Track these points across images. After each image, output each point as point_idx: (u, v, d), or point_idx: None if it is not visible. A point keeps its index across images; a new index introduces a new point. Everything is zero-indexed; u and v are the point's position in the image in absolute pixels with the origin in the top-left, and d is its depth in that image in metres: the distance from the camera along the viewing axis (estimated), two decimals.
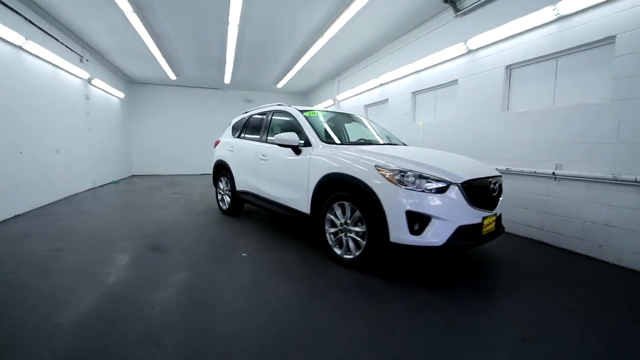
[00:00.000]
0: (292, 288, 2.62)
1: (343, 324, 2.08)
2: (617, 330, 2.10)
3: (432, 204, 2.59)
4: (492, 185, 2.93)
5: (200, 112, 12.32)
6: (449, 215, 2.60)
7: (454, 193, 2.63)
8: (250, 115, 5.00)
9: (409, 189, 2.60)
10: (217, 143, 5.66)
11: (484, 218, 2.79)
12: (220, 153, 5.33)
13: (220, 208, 5.40)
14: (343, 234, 3.06)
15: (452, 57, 5.27)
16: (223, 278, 2.79)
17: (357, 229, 2.91)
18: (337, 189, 3.13)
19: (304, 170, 3.46)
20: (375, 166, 2.78)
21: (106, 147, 8.96)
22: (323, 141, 3.50)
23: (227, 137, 5.37)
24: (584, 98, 3.53)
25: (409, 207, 2.58)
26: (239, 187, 4.79)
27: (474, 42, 4.77)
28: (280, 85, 11.22)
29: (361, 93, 8.42)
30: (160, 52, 7.47)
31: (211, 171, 5.72)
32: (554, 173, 3.74)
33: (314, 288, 2.63)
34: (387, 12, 5.55)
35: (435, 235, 2.58)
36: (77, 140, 7.05)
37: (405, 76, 6.53)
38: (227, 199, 5.17)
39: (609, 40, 3.25)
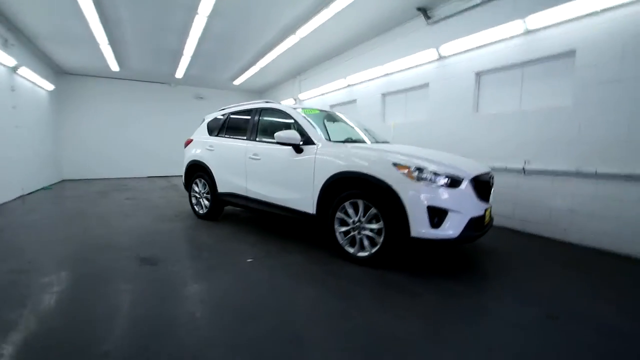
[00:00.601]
0: (318, 289, 2.54)
1: (399, 322, 2.09)
2: (615, 301, 2.45)
3: (449, 198, 2.73)
4: (490, 180, 3.20)
5: (146, 109, 11.21)
6: (463, 208, 2.77)
7: (465, 187, 2.82)
8: (230, 113, 4.71)
9: (428, 185, 2.71)
10: (188, 142, 5.21)
11: (485, 210, 3.03)
12: (195, 153, 4.92)
13: (196, 212, 4.99)
14: (356, 231, 3.06)
15: (423, 62, 5.61)
16: (241, 286, 2.59)
17: (372, 226, 2.94)
18: (348, 187, 3.12)
19: (308, 170, 3.37)
20: (394, 163, 2.84)
21: (36, 148, 7.64)
22: (327, 140, 3.46)
23: (202, 136, 4.98)
24: (549, 102, 4.05)
25: (430, 202, 2.68)
26: (221, 189, 4.47)
27: (445, 49, 5.14)
28: (237, 82, 10.75)
29: (327, 93, 8.49)
30: (108, 39, 6.61)
31: (171, 172, 5.27)
32: (523, 168, 4.23)
33: (338, 287, 2.59)
34: (362, 15, 5.69)
35: (451, 228, 2.72)
36: (2, 139, 5.88)
37: (376, 78, 6.76)
38: (205, 202, 4.79)
39: (571, 53, 3.78)
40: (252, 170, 4.01)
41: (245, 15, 5.74)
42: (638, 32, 3.23)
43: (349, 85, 7.63)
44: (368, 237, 3.00)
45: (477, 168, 3.12)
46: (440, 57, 5.31)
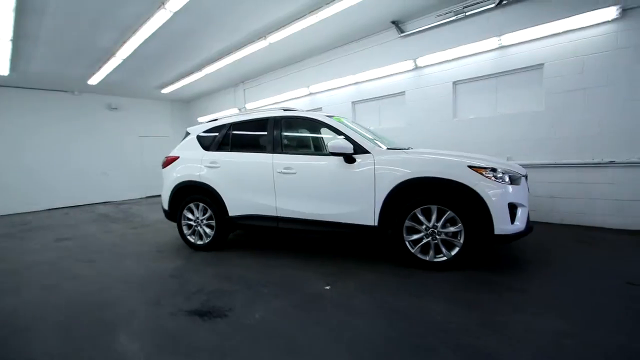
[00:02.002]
0: (438, 303, 2.42)
1: (537, 316, 2.15)
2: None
3: (518, 194, 2.97)
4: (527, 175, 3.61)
5: (43, 123, 8.76)
6: (525, 202, 3.05)
7: (522, 184, 3.11)
8: (232, 125, 4.08)
9: (503, 184, 2.90)
10: (170, 161, 4.30)
11: None
12: (188, 173, 4.08)
13: (192, 243, 4.13)
14: (430, 238, 3.04)
15: (398, 71, 5.97)
16: (361, 319, 2.26)
17: (450, 229, 2.97)
18: (415, 194, 3.07)
19: (367, 180, 3.19)
20: (469, 166, 2.93)
21: None
22: (380, 147, 3.34)
23: (194, 152, 4.17)
24: (524, 107, 4.81)
25: (509, 200, 2.87)
26: (235, 212, 3.82)
27: (422, 61, 5.59)
28: (167, 90, 9.39)
29: (283, 102, 8.19)
30: (13, 33, 4.91)
31: (87, 200, 4.29)
32: None
33: (453, 295, 2.52)
34: (332, 25, 5.68)
35: (521, 222, 2.96)
36: None
37: (345, 86, 6.86)
38: (207, 230, 4.02)
39: (540, 66, 4.59)
40: (284, 186, 3.56)
41: (214, 14, 5.10)
42: (594, 50, 4.14)
43: (311, 94, 7.53)
44: (444, 241, 3.01)
45: (516, 166, 3.49)
46: (417, 68, 5.75)
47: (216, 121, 4.28)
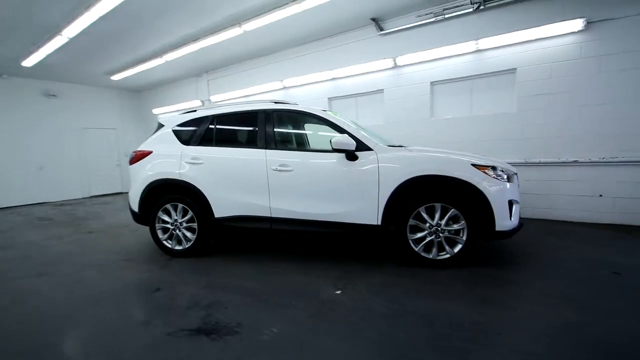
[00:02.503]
0: (456, 303, 2.40)
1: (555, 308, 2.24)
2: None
3: (514, 191, 3.08)
4: None
5: None
6: (519, 199, 3.19)
7: (516, 181, 3.24)
8: (216, 117, 3.70)
9: (502, 181, 2.98)
10: (141, 156, 3.78)
11: None
12: (165, 170, 3.62)
13: (168, 249, 3.68)
14: (433, 236, 3.04)
15: (377, 69, 5.96)
16: (378, 324, 2.15)
17: (454, 227, 2.99)
18: (419, 192, 3.04)
19: (371, 178, 3.09)
20: (472, 164, 2.97)
21: None
22: (381, 144, 3.24)
23: (170, 147, 3.71)
24: (497, 109, 5.08)
25: (509, 197, 2.96)
26: (221, 213, 3.47)
27: (401, 60, 5.64)
28: (118, 77, 8.40)
29: (253, 95, 7.77)
30: None
31: (11, 202, 3.76)
32: None
33: (469, 295, 2.52)
34: (311, 17, 5.49)
35: (515, 218, 3.08)
36: None
37: (321, 82, 6.70)
38: (187, 233, 3.61)
39: (512, 70, 4.87)
40: (279, 184, 3.31)
41: None
42: (561, 58, 4.49)
43: (285, 88, 7.25)
44: (447, 238, 3.02)
45: (508, 165, 3.63)
46: (396, 67, 5.79)
47: (195, 112, 3.86)
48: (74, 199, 9.06)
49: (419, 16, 5.37)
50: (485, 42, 4.90)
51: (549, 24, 4.41)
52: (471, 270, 2.97)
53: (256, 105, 3.65)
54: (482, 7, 4.86)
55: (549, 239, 3.92)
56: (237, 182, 3.44)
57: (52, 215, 6.72)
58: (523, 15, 4.64)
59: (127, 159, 4.02)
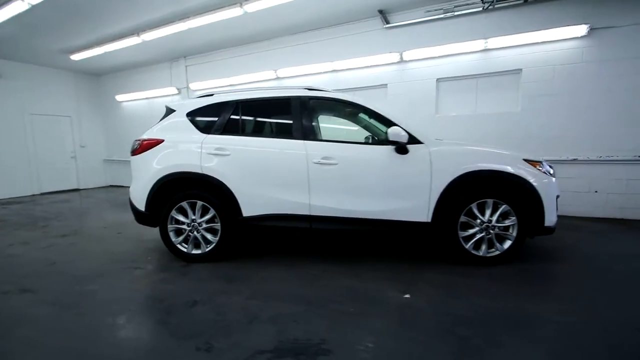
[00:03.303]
0: (538, 302, 2.34)
1: None
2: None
3: (558, 187, 3.13)
4: None
5: None
6: None
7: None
8: (241, 102, 3.26)
9: (551, 176, 3.00)
10: (149, 145, 3.22)
11: None
12: (182, 162, 3.12)
13: (184, 254, 3.19)
14: (484, 233, 2.97)
15: (382, 63, 5.83)
16: (478, 330, 2.01)
17: (504, 223, 2.95)
18: (472, 188, 2.95)
19: (423, 173, 2.93)
20: (524, 159, 2.94)
21: None
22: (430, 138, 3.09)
23: (186, 135, 3.20)
24: (502, 108, 5.23)
25: (557, 192, 2.99)
26: (251, 212, 3.08)
27: (407, 55, 5.57)
28: (78, 57, 7.27)
29: (240, 84, 7.22)
30: None
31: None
32: None
33: (543, 292, 2.49)
34: (319, 2, 5.20)
35: (556, 214, 3.14)
36: None
37: (320, 73, 6.40)
38: (208, 235, 3.15)
39: (518, 71, 5.04)
40: (321, 179, 3.00)
41: None
42: (564, 61, 4.73)
43: (278, 78, 6.83)
44: (498, 235, 2.98)
45: None
46: (402, 61, 5.71)
47: (212, 97, 3.38)
48: (22, 197, 7.71)
49: (428, 11, 5.33)
50: (493, 42, 5.01)
51: (555, 27, 4.61)
52: (518, 266, 2.96)
53: (286, 92, 3.29)
54: (491, 7, 4.96)
55: (560, 232, 4.10)
56: (271, 177, 3.07)
57: (2, 215, 5.60)
58: (529, 18, 4.81)
59: (130, 150, 3.39)
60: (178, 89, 8.10)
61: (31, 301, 2.47)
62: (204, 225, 3.15)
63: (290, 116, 3.17)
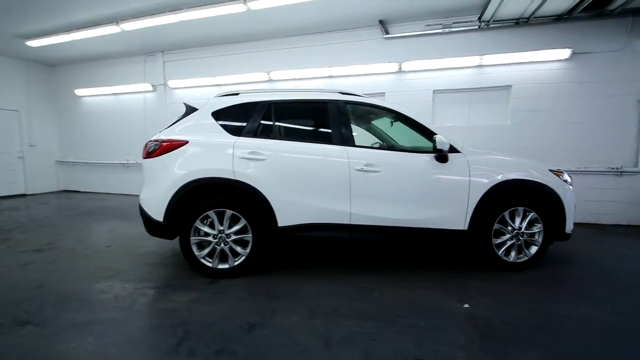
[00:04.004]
0: (587, 305, 2.46)
1: None
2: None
3: None
4: None
5: None
6: None
7: None
8: (275, 103, 3.04)
9: (570, 186, 3.22)
10: (170, 146, 2.86)
11: None
12: (211, 166, 2.80)
13: (208, 269, 2.86)
14: (514, 239, 3.09)
15: (380, 72, 5.91)
16: (560, 338, 2.05)
17: (532, 229, 3.10)
18: (505, 197, 3.06)
19: (462, 181, 2.98)
20: (550, 170, 3.13)
21: None
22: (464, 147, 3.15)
23: (214, 136, 2.89)
24: (494, 121, 5.58)
25: (574, 201, 3.21)
26: (288, 221, 2.86)
27: (406, 65, 5.72)
28: (37, 43, 6.31)
29: (231, 85, 6.82)
30: None
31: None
32: None
33: (585, 296, 2.63)
34: (325, 6, 5.12)
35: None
36: None
37: (316, 78, 6.29)
38: (237, 248, 2.86)
39: (508, 87, 5.42)
40: (363, 187, 2.89)
41: None
42: (549, 80, 5.19)
43: (271, 80, 6.58)
44: (526, 242, 3.12)
45: None
46: (400, 71, 5.84)
47: (237, 96, 3.11)
48: None
49: (428, 25, 5.53)
50: (487, 59, 5.34)
51: (542, 49, 5.06)
52: (541, 271, 3.11)
53: (319, 95, 3.16)
54: (485, 27, 5.29)
55: None
56: (310, 184, 2.89)
57: None
58: (520, 39, 5.21)
59: (144, 151, 2.98)
60: (153, 86, 7.44)
61: (37, 336, 2.00)
62: (233, 237, 2.86)
63: (326, 120, 3.04)
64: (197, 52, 7.03)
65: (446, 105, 5.82)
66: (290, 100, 3.11)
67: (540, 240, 3.10)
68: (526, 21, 5.04)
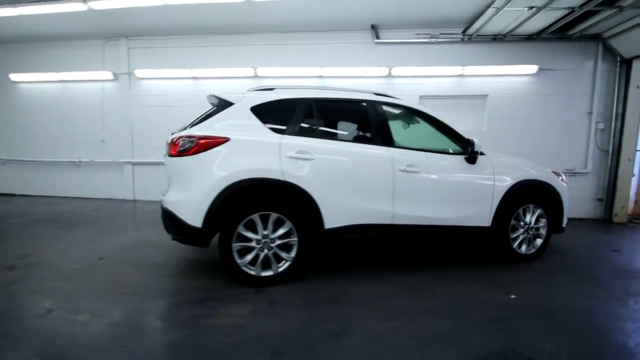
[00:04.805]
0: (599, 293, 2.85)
1: None
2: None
3: None
4: None
5: None
6: None
7: None
8: (317, 101, 2.93)
9: (565, 184, 3.68)
10: (207, 144, 2.56)
11: None
12: (257, 166, 2.59)
13: (252, 278, 2.64)
14: (526, 234, 3.43)
15: (370, 75, 6.06)
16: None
17: (539, 225, 3.47)
18: (520, 196, 3.37)
19: (487, 181, 3.23)
20: (552, 171, 3.53)
21: None
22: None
23: (257, 134, 2.67)
24: (473, 126, 6.07)
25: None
26: (335, 223, 2.78)
27: (396, 70, 5.96)
28: None
29: (207, 79, 6.35)
30: None
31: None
32: None
33: (585, 278, 3.03)
34: (320, 3, 5.11)
35: None
36: None
37: (305, 77, 6.17)
38: (282, 254, 2.69)
39: (485, 96, 5.97)
40: (405, 187, 2.94)
41: None
42: (519, 92, 5.85)
43: (257, 76, 6.28)
44: (535, 235, 3.48)
45: None
46: (389, 76, 6.05)
47: (274, 92, 2.94)
48: None
49: (418, 34, 5.82)
50: (468, 69, 5.83)
51: (515, 64, 5.70)
52: (547, 260, 3.51)
53: (355, 94, 3.14)
54: (468, 40, 5.76)
55: None
56: (356, 185, 2.85)
57: None
58: (497, 54, 5.78)
59: (172, 148, 2.62)
60: (115, 74, 6.57)
61: None
62: (277, 242, 2.68)
63: (366, 120, 3.04)
64: (172, 40, 6.40)
65: (431, 110, 6.17)
66: (330, 98, 3.04)
67: (544, 233, 3.49)
68: (502, 38, 5.62)
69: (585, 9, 4.38)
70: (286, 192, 2.68)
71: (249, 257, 2.64)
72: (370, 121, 3.02)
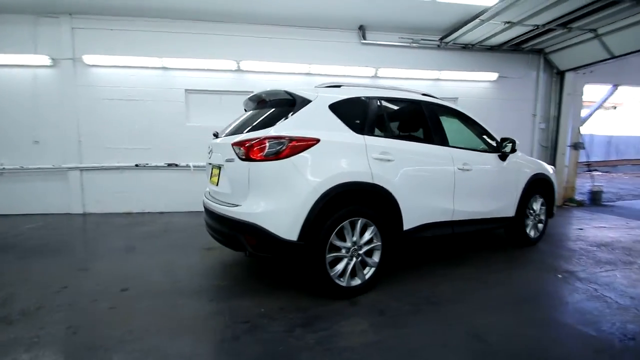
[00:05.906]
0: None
1: None
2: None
3: None
4: None
5: None
6: None
7: None
8: (382, 99, 2.87)
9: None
10: (297, 146, 2.29)
11: None
12: (347, 169, 2.42)
13: (341, 289, 2.46)
14: (533, 220, 3.97)
15: (357, 74, 6.14)
16: None
17: (541, 212, 4.05)
18: (533, 187, 3.85)
19: (515, 176, 3.67)
20: (549, 165, 4.15)
21: None
22: None
23: (341, 135, 2.48)
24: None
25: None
26: (411, 223, 2.77)
27: (382, 72, 6.18)
28: None
29: (179, 69, 5.59)
30: None
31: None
32: None
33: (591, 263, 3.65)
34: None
35: None
36: None
37: (293, 74, 5.93)
38: (367, 260, 2.57)
39: (455, 98, 6.60)
40: (462, 184, 3.11)
41: None
42: (482, 96, 6.64)
43: (240, 70, 5.78)
44: (540, 221, 4.04)
45: None
46: (375, 77, 6.23)
47: (340, 88, 2.80)
48: None
49: (402, 38, 6.11)
50: (443, 74, 6.38)
51: (479, 71, 6.46)
52: (546, 243, 4.12)
53: (408, 95, 3.19)
54: (443, 47, 6.30)
55: None
56: (428, 185, 2.91)
57: None
58: (466, 61, 6.47)
59: (254, 152, 2.22)
60: (53, 60, 5.27)
61: None
62: (364, 248, 2.55)
63: (424, 120, 3.12)
64: (136, 23, 5.43)
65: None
66: (393, 98, 3.02)
67: (544, 219, 4.08)
68: (472, 47, 6.31)
69: (547, 27, 5.24)
70: (374, 195, 2.57)
71: (339, 267, 2.46)
72: (428, 121, 3.10)
